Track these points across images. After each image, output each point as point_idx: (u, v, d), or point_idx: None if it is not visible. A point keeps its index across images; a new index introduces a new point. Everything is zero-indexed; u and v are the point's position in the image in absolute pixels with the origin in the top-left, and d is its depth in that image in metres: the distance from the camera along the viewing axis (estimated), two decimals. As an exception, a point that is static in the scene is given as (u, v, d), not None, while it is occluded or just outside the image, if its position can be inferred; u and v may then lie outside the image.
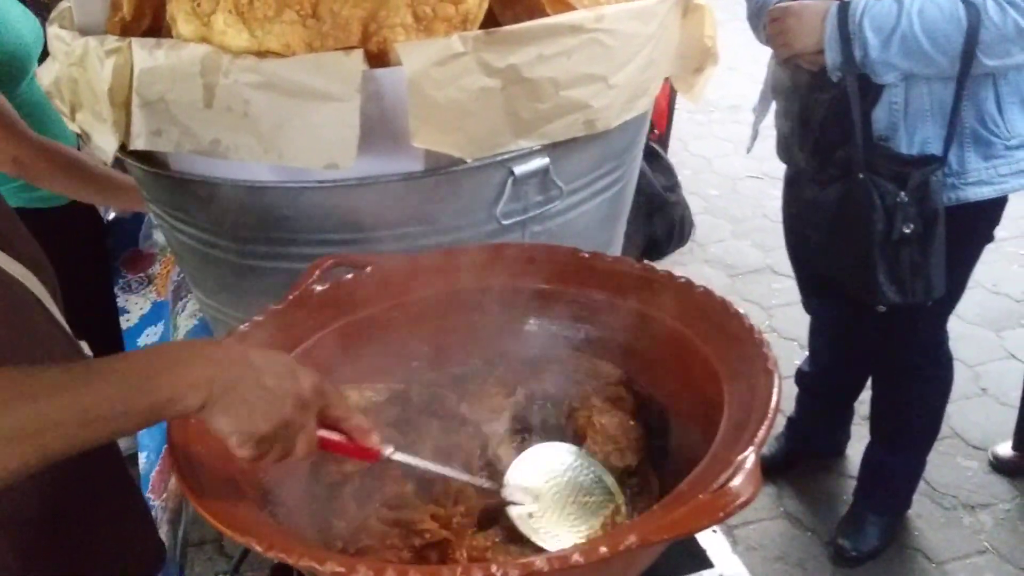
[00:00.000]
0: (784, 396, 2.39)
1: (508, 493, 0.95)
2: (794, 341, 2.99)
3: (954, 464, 2.49)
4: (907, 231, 1.70)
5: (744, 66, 4.16)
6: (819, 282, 2.14)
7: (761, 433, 0.81)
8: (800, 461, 2.48)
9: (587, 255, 1.16)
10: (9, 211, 1.03)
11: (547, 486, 0.97)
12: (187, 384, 0.74)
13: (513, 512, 0.94)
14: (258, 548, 0.75)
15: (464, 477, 0.95)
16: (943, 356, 2.07)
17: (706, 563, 0.93)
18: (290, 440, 0.81)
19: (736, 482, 0.74)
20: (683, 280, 1.08)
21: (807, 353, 2.44)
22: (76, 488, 1.00)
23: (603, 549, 0.70)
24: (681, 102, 3.54)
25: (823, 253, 1.89)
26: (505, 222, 1.23)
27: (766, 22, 1.78)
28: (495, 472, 0.99)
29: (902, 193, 1.69)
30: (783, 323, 3.12)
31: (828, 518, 2.33)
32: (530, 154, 1.19)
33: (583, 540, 0.90)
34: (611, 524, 0.93)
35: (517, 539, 0.92)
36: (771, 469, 2.46)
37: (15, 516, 0.94)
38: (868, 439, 2.23)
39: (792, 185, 2.05)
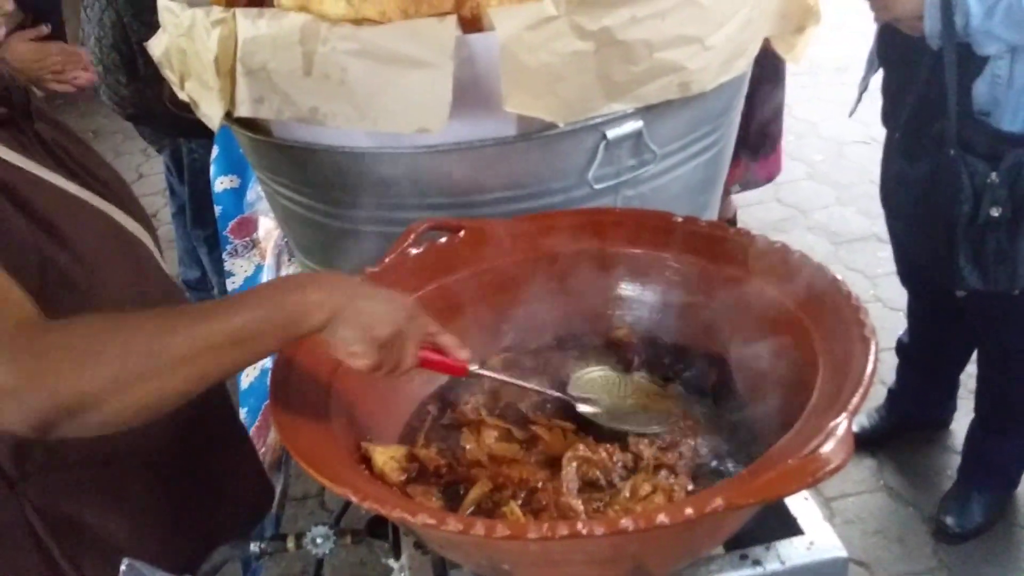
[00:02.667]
0: (887, 367, 2.31)
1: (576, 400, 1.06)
2: (900, 311, 2.87)
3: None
4: (995, 214, 1.61)
5: (851, 23, 3.99)
6: (913, 256, 2.06)
7: (855, 400, 0.79)
8: (902, 434, 2.40)
9: (681, 219, 1.15)
10: (120, 176, 1.09)
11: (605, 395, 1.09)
12: (312, 303, 0.84)
13: (585, 411, 1.05)
14: (354, 498, 0.78)
15: (540, 388, 1.07)
16: None
17: (797, 530, 0.92)
18: (402, 349, 0.89)
19: (827, 448, 0.73)
20: (779, 245, 1.06)
21: (909, 324, 2.36)
22: (197, 434, 1.09)
23: (689, 511, 0.71)
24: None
25: (906, 231, 1.83)
26: (598, 186, 1.23)
27: None
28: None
29: (993, 174, 1.60)
30: (888, 292, 3.01)
31: (931, 493, 2.25)
32: (623, 118, 1.18)
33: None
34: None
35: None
36: (872, 441, 2.38)
37: (149, 456, 1.04)
38: (974, 414, 2.15)
39: (887, 155, 1.96)
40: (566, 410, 1.06)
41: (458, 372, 0.99)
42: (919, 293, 2.22)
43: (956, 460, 2.25)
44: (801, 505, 0.96)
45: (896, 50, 1.77)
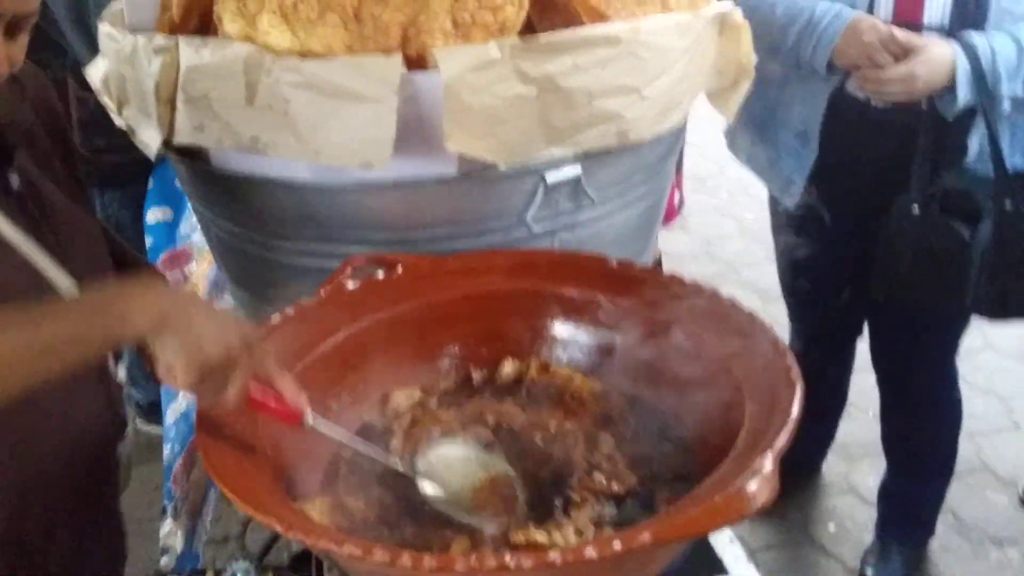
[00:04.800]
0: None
1: (420, 480, 0.97)
2: (824, 367, 2.96)
3: (983, 498, 2.44)
4: None
5: (783, 91, 4.13)
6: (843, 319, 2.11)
7: (780, 440, 0.81)
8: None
9: (615, 263, 1.17)
10: (96, 237, 1.11)
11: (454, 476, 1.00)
12: (138, 307, 0.79)
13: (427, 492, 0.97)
14: (279, 528, 0.76)
15: (381, 456, 0.98)
16: (951, 386, 2.04)
17: (721, 569, 0.94)
18: (228, 378, 0.83)
19: (752, 486, 0.75)
20: (710, 291, 1.09)
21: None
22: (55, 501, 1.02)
23: (617, 545, 0.71)
24: (719, 126, 3.54)
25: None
26: (536, 229, 1.25)
27: (862, 67, 1.67)
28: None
29: None
30: (814, 349, 3.09)
31: (855, 546, 2.29)
32: (562, 162, 1.20)
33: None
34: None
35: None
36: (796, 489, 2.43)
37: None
38: (884, 466, 2.20)
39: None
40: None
41: (291, 421, 0.90)
42: (806, 331, 2.28)
43: (874, 512, 2.29)
44: (726, 546, 0.97)
45: (869, 130, 1.79)
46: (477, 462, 1.02)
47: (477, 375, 1.17)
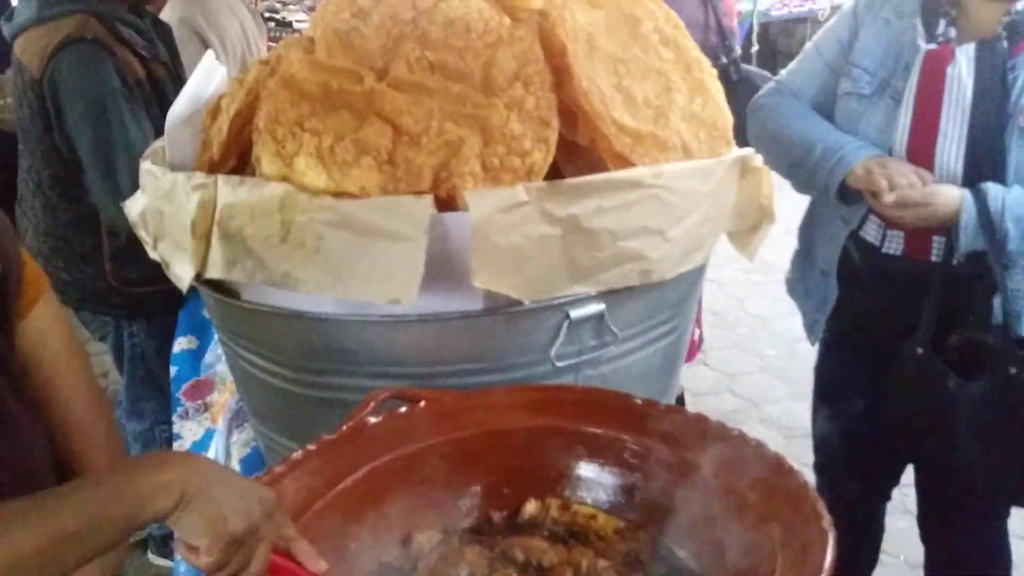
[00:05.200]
0: None
1: None
2: (852, 509, 2.88)
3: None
4: None
5: (801, 229, 4.20)
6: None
7: (814, 593, 0.79)
8: None
9: (640, 402, 1.17)
10: None
11: None
12: (158, 486, 0.76)
13: None
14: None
15: None
16: (1004, 554, 1.92)
17: None
18: (253, 550, 0.80)
19: (787, 641, 0.72)
20: (736, 433, 1.08)
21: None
22: None
23: None
24: (739, 263, 3.59)
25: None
26: (559, 364, 1.25)
27: (880, 198, 1.64)
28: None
29: None
30: (840, 489, 3.01)
31: None
32: (586, 299, 1.22)
33: None
34: None
35: None
36: None
37: None
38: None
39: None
40: None
41: None
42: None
43: None
44: None
45: (882, 276, 1.78)
46: None
47: (497, 516, 1.14)
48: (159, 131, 1.69)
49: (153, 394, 2.49)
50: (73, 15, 2.08)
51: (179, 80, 2.26)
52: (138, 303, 2.30)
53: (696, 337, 3.17)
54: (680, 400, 3.16)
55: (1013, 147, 1.59)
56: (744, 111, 1.92)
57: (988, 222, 1.57)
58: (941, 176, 1.65)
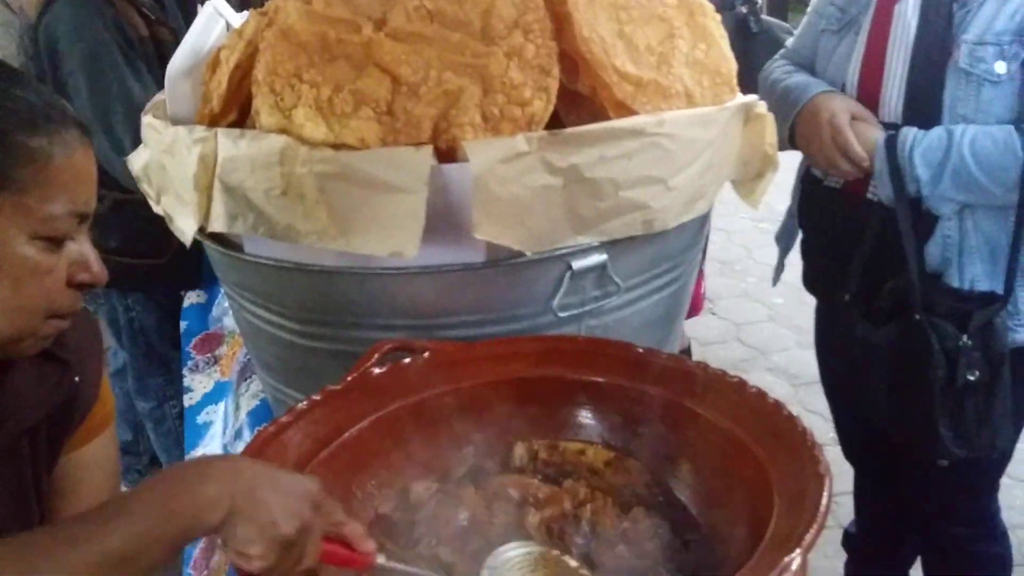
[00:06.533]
0: (846, 511, 2.18)
1: None
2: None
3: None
4: (971, 378, 1.54)
5: (811, 177, 4.19)
6: (861, 428, 1.96)
7: (809, 537, 0.80)
8: None
9: (641, 351, 1.17)
10: None
11: None
12: (205, 501, 0.75)
13: None
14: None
15: None
16: (997, 528, 1.87)
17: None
18: (304, 545, 0.79)
19: (781, 583, 0.73)
20: (736, 380, 1.09)
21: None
22: None
23: (641, 643, 0.70)
24: (747, 212, 3.57)
25: (873, 401, 1.72)
26: (562, 315, 1.26)
27: (797, 125, 1.69)
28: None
29: (964, 336, 1.55)
30: (847, 436, 3.03)
31: None
32: (588, 250, 1.22)
33: None
34: None
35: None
36: None
37: None
38: None
39: (829, 322, 1.91)
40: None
41: (362, 566, 0.87)
42: (865, 469, 2.12)
43: None
44: (756, 645, 0.94)
45: (825, 213, 1.77)
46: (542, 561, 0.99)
47: (489, 463, 1.16)
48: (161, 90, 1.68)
49: (158, 370, 2.47)
50: None
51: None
52: (124, 275, 2.21)
53: (702, 291, 3.19)
54: (687, 352, 3.18)
55: (949, 84, 1.54)
56: (764, 64, 1.91)
57: (896, 168, 1.54)
58: (885, 116, 1.63)
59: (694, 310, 3.08)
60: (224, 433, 1.80)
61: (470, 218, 1.12)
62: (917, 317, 1.57)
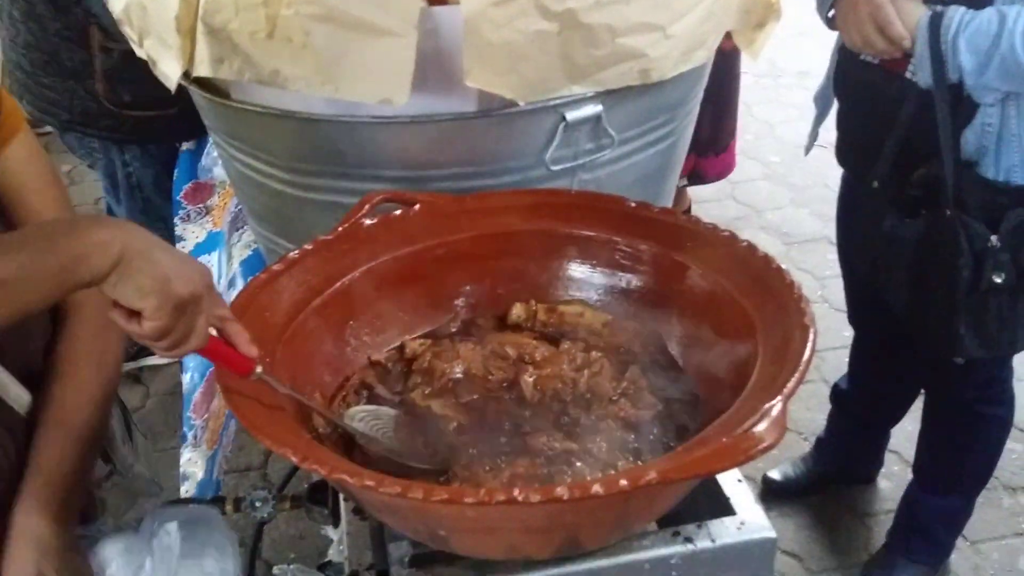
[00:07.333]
0: (831, 367, 2.21)
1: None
2: (844, 313, 2.96)
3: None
4: (998, 280, 1.48)
5: (815, 32, 4.06)
6: (873, 303, 1.91)
7: (791, 384, 0.82)
8: (826, 487, 2.28)
9: (633, 204, 1.17)
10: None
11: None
12: (94, 243, 0.71)
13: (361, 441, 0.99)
14: (294, 459, 0.78)
15: (326, 412, 0.99)
16: (1005, 393, 1.85)
17: (729, 510, 0.95)
18: (195, 320, 0.77)
19: (760, 427, 0.76)
20: (727, 233, 1.09)
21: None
22: None
23: (623, 482, 0.72)
24: (747, 66, 3.48)
25: (894, 294, 1.67)
26: (554, 168, 1.24)
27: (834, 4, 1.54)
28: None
29: (993, 237, 1.47)
30: (836, 295, 3.05)
31: (847, 558, 2.14)
32: (583, 100, 1.19)
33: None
34: None
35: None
36: (794, 492, 2.26)
37: None
38: (897, 469, 2.05)
39: (854, 206, 1.81)
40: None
41: (242, 370, 0.86)
42: (869, 339, 2.11)
43: (879, 522, 2.18)
44: (734, 487, 0.98)
45: (861, 87, 1.64)
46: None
47: (484, 319, 1.17)
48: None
49: (156, 225, 2.42)
50: None
51: None
52: (132, 128, 2.16)
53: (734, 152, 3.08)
54: (687, 212, 3.16)
55: None
56: None
57: (938, 52, 1.42)
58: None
59: (727, 169, 3.01)
60: (218, 283, 1.81)
61: (461, 65, 1.09)
62: (948, 213, 1.50)
